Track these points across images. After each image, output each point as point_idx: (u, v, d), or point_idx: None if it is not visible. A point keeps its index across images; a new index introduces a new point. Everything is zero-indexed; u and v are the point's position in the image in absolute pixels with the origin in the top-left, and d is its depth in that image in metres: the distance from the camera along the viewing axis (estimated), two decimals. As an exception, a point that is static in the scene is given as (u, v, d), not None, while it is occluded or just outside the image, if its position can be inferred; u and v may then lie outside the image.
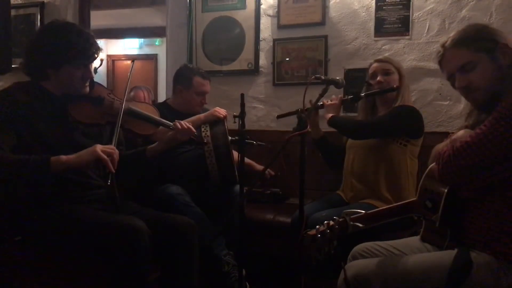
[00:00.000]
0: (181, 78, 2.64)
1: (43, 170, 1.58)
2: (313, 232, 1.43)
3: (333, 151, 2.53)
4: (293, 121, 1.65)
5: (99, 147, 1.63)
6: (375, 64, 2.35)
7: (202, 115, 2.43)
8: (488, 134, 1.24)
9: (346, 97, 2.42)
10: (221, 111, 2.45)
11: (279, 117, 2.61)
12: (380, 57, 2.44)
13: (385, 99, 2.32)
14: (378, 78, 2.30)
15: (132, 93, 3.59)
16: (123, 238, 1.59)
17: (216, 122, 2.40)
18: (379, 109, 2.39)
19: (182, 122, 2.05)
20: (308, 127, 1.63)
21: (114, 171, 1.62)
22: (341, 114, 2.51)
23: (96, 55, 1.82)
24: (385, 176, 2.24)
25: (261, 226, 2.56)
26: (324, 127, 2.48)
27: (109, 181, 1.61)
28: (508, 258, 1.28)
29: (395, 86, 2.27)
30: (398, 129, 2.23)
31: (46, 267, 1.71)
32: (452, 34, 1.46)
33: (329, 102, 2.41)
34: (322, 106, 2.41)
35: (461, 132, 1.41)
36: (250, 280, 2.28)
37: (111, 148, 1.66)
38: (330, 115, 2.35)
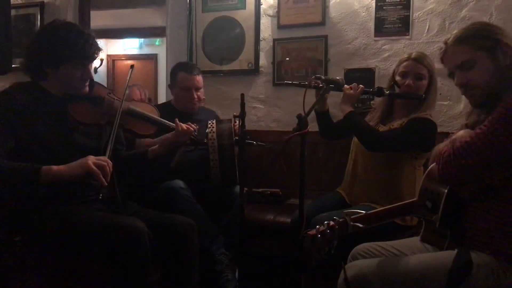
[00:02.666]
0: (170, 76, 2.66)
1: (33, 180, 1.57)
2: (313, 232, 1.42)
3: (331, 126, 2.46)
4: (293, 122, 1.64)
5: (91, 159, 1.59)
6: (409, 62, 2.18)
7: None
8: (488, 134, 1.24)
9: (369, 89, 2.26)
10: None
11: (287, 84, 2.52)
12: (416, 54, 2.20)
13: (407, 104, 2.21)
14: (408, 81, 2.16)
15: (127, 91, 3.58)
16: (123, 239, 1.59)
17: (222, 120, 2.37)
18: (396, 111, 2.28)
19: (180, 123, 2.04)
20: (308, 128, 1.62)
21: (106, 184, 1.58)
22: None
23: (95, 56, 1.82)
24: (389, 184, 2.19)
25: (261, 226, 2.56)
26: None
27: (101, 195, 1.59)
28: (508, 258, 1.28)
29: (423, 95, 2.15)
30: (414, 146, 2.15)
31: (46, 267, 1.71)
32: (455, 31, 1.46)
33: (350, 90, 2.23)
34: (341, 89, 2.26)
35: (461, 132, 1.41)
36: (251, 281, 2.27)
37: (104, 160, 1.62)
38: (348, 109, 2.19)
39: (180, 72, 2.58)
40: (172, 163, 2.18)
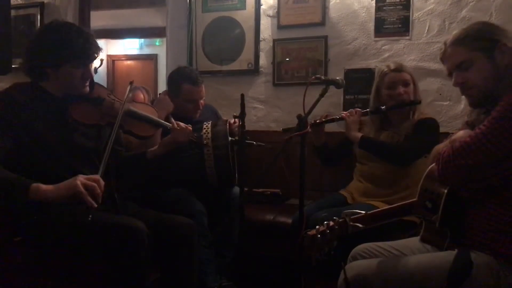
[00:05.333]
0: (170, 83, 2.50)
1: (21, 195, 1.52)
2: (313, 232, 1.42)
3: (331, 155, 2.52)
4: (293, 122, 1.64)
5: (80, 180, 1.50)
6: (392, 74, 2.27)
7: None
8: (487, 134, 1.24)
9: (367, 110, 2.35)
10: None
11: (284, 130, 2.56)
12: (394, 65, 2.30)
13: (402, 112, 2.28)
14: (399, 90, 2.24)
15: (130, 94, 3.58)
16: (123, 239, 1.58)
17: (217, 122, 2.36)
18: (393, 120, 2.34)
19: (179, 122, 2.03)
20: (309, 127, 1.62)
21: (95, 206, 1.48)
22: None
23: (95, 55, 1.81)
24: (401, 185, 2.22)
25: (261, 226, 2.56)
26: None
27: (90, 216, 1.47)
28: (508, 258, 1.28)
29: (419, 99, 2.24)
30: (432, 147, 2.20)
31: (46, 267, 1.71)
32: (455, 31, 1.47)
33: (350, 117, 2.32)
34: (341, 118, 2.36)
35: (460, 133, 1.42)
36: (251, 281, 2.28)
37: (94, 179, 1.52)
38: (359, 135, 2.27)
39: (185, 84, 2.42)
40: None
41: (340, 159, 2.48)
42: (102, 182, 1.53)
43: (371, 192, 2.29)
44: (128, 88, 1.95)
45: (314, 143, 2.49)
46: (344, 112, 2.37)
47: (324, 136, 2.50)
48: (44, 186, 1.53)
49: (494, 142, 1.23)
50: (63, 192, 1.52)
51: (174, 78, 2.49)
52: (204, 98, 2.55)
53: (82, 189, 1.48)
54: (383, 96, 2.31)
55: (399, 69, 2.27)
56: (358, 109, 2.36)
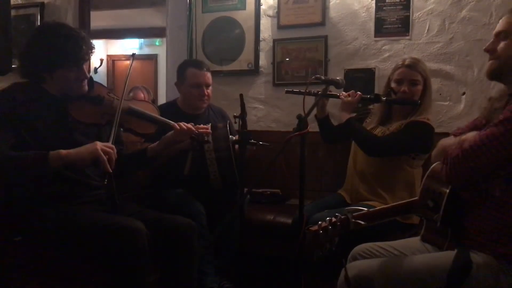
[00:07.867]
0: (178, 73, 2.58)
1: (42, 164, 1.60)
2: (315, 228, 1.42)
3: (332, 131, 2.51)
4: (293, 122, 1.64)
5: (99, 145, 1.64)
6: (403, 69, 2.24)
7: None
8: (493, 138, 1.24)
9: (366, 96, 2.32)
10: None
11: (287, 92, 2.55)
12: (409, 60, 2.26)
13: (404, 108, 2.27)
14: (403, 88, 2.21)
15: (131, 94, 3.59)
16: (122, 239, 1.58)
17: (217, 126, 2.34)
18: (394, 114, 2.33)
19: (181, 123, 2.04)
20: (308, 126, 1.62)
21: (111, 171, 1.62)
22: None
23: (87, 56, 1.81)
24: (384, 182, 2.23)
25: (261, 226, 2.56)
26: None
27: (106, 180, 1.63)
28: (507, 258, 1.28)
29: (418, 100, 2.21)
30: (411, 149, 2.20)
31: (45, 267, 1.71)
32: None
33: (347, 97, 2.31)
34: (338, 96, 2.34)
35: (470, 134, 1.41)
36: (251, 281, 2.27)
37: (110, 147, 1.67)
38: (347, 116, 2.27)
39: (190, 68, 2.52)
40: (185, 170, 2.17)
41: (340, 138, 2.47)
42: (115, 149, 1.68)
43: (361, 187, 2.28)
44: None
45: (317, 115, 2.48)
46: (344, 93, 2.35)
47: (326, 110, 2.48)
48: (64, 151, 1.63)
49: (500, 145, 1.23)
50: (84, 155, 1.64)
51: (181, 66, 2.60)
52: (210, 87, 2.57)
53: (101, 153, 1.62)
54: (392, 88, 2.29)
55: (411, 66, 2.23)
56: (359, 92, 2.33)
